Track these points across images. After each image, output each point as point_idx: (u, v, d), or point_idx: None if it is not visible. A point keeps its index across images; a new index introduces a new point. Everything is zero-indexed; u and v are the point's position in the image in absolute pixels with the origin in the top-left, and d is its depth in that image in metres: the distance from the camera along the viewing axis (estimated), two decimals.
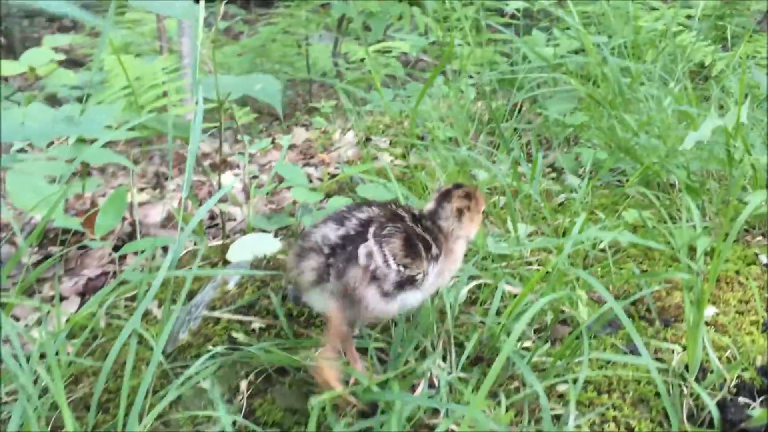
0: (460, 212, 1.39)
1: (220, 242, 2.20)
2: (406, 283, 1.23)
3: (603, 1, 3.66)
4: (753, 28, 4.65)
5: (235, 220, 2.42)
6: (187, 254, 2.09)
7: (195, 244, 2.14)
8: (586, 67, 2.47)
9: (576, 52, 3.02)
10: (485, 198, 1.73)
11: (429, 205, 1.41)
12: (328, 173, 3.07)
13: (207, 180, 3.02)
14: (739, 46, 3.44)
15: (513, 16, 3.52)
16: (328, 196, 2.48)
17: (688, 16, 3.65)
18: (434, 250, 1.30)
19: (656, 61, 2.72)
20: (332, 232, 1.20)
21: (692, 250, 1.74)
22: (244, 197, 2.68)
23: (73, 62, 5.81)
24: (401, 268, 1.21)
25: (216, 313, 1.56)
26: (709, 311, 1.49)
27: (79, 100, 4.87)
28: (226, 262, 2.02)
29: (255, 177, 3.06)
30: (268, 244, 2.02)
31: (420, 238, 1.28)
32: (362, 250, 1.18)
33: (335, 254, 1.18)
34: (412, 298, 1.26)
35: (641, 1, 3.74)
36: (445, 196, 1.41)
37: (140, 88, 3.52)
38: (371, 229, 1.22)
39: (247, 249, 2.01)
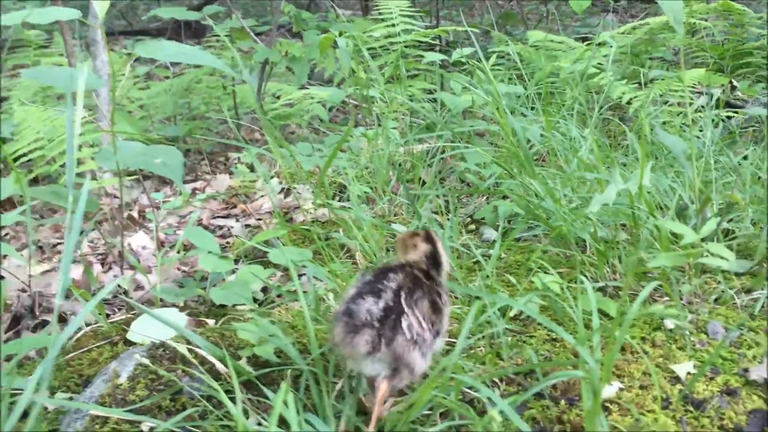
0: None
1: (124, 316, 2.09)
2: (435, 336, 1.38)
3: (523, 45, 3.72)
4: (670, 60, 4.82)
5: (143, 288, 2.30)
6: (87, 333, 1.97)
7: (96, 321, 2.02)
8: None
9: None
10: None
11: (422, 249, 1.49)
12: (247, 224, 3.00)
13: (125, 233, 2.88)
14: (654, 83, 3.52)
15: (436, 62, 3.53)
16: (244, 257, 2.40)
17: (605, 55, 3.73)
18: (444, 297, 1.44)
19: (571, 107, 2.75)
20: (374, 306, 1.31)
21: (603, 314, 1.74)
22: (154, 261, 2.57)
23: None
24: (431, 326, 1.36)
25: (103, 412, 1.46)
26: (613, 388, 1.48)
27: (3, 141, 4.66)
28: (127, 342, 1.92)
29: (172, 233, 2.95)
30: (173, 323, 1.91)
31: (436, 292, 1.42)
32: (405, 323, 1.31)
33: (383, 325, 1.29)
34: (438, 346, 1.41)
35: (560, 42, 3.81)
36: (428, 239, 1.51)
37: (51, 142, 3.38)
38: (403, 298, 1.34)
39: (150, 328, 1.90)
